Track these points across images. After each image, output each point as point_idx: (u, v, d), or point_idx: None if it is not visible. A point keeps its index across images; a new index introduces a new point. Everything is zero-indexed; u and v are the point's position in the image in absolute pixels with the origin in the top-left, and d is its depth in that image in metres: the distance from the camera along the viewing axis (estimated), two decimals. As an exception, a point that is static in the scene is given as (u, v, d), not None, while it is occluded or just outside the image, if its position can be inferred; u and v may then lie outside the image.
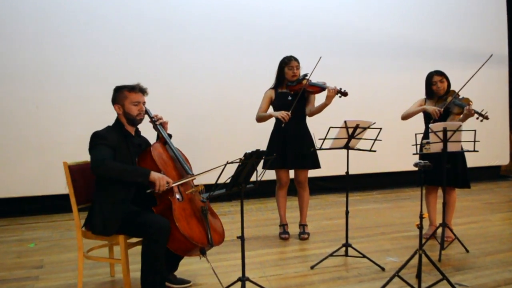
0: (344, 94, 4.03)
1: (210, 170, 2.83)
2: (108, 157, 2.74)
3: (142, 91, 2.96)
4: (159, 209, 2.82)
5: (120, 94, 2.94)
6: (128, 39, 5.48)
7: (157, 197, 2.85)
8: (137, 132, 3.07)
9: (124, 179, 2.74)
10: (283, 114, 4.01)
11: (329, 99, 4.03)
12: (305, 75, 4.17)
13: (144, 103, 2.97)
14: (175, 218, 2.72)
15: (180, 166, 3.01)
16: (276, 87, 4.27)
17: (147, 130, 3.18)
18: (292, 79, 4.16)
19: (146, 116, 3.03)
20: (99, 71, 5.39)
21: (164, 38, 5.63)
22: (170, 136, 3.15)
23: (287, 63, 4.17)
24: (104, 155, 2.73)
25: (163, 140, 3.09)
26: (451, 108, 4.02)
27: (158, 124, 3.08)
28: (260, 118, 4.23)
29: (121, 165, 2.75)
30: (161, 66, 5.61)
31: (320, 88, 4.12)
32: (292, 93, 4.17)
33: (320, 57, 3.97)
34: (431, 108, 4.01)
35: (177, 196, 2.85)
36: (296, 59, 4.20)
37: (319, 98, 4.23)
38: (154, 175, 2.72)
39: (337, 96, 4.04)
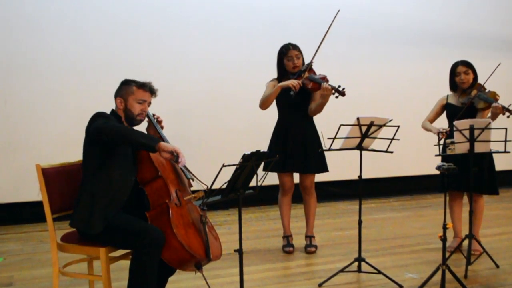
0: (341, 93, 3.89)
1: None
2: None
3: (152, 91, 3.06)
4: (154, 213, 2.82)
5: (127, 88, 3.01)
6: (109, 26, 5.47)
7: (151, 201, 2.87)
8: None
9: (129, 139, 2.73)
10: (293, 82, 3.97)
11: (324, 97, 3.97)
12: (310, 64, 4.14)
13: (149, 104, 3.06)
14: (172, 224, 2.73)
15: (179, 170, 3.06)
16: (279, 79, 4.25)
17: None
18: (293, 71, 4.13)
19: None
20: (77, 61, 5.39)
21: (150, 24, 5.62)
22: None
23: (285, 53, 4.13)
24: (106, 121, 2.82)
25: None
26: (476, 102, 4.03)
27: (156, 124, 3.16)
28: (266, 99, 4.13)
29: (126, 126, 2.90)
30: (147, 56, 5.60)
31: (319, 84, 4.01)
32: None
33: (338, 10, 3.91)
34: (434, 129, 4.07)
35: (175, 200, 2.87)
36: (295, 47, 4.13)
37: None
38: (164, 144, 2.72)
39: (348, 91, 3.99)
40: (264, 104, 4.19)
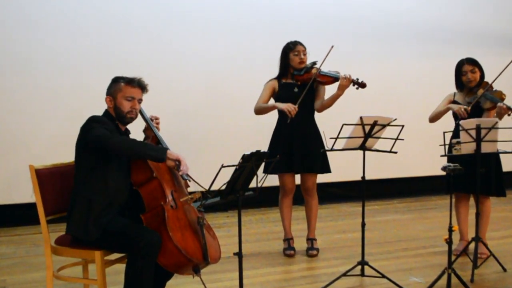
0: (361, 85, 4.03)
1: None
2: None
3: (141, 86, 3.02)
4: (149, 216, 2.81)
5: (116, 86, 2.98)
6: (106, 22, 5.47)
7: (146, 203, 2.86)
8: (127, 132, 3.10)
9: (136, 154, 2.77)
10: (290, 107, 4.02)
11: (341, 89, 4.03)
12: (314, 62, 4.17)
13: (140, 100, 3.02)
14: (168, 227, 2.72)
15: (175, 171, 3.02)
16: (279, 77, 4.28)
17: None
18: (299, 66, 4.17)
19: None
20: (72, 60, 5.38)
21: (148, 20, 5.62)
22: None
23: (292, 48, 4.18)
24: (106, 132, 2.79)
25: (155, 141, 3.12)
26: (482, 102, 4.02)
27: (153, 126, 3.14)
28: (260, 110, 4.25)
29: (130, 138, 2.88)
30: (145, 53, 5.60)
31: (333, 78, 4.11)
32: (299, 83, 4.17)
33: (332, 46, 3.96)
34: (456, 106, 4.00)
35: (171, 202, 2.86)
36: (302, 44, 4.21)
37: (329, 92, 4.22)
38: (171, 152, 2.74)
39: (352, 88, 4.04)
40: (259, 113, 4.29)
